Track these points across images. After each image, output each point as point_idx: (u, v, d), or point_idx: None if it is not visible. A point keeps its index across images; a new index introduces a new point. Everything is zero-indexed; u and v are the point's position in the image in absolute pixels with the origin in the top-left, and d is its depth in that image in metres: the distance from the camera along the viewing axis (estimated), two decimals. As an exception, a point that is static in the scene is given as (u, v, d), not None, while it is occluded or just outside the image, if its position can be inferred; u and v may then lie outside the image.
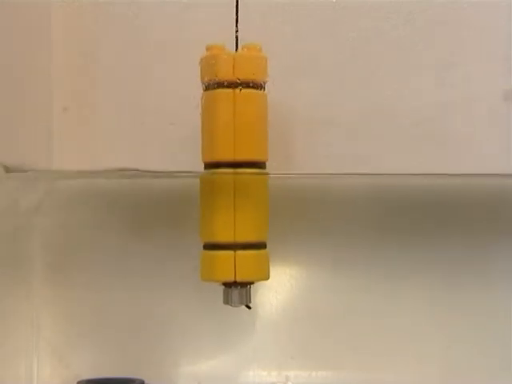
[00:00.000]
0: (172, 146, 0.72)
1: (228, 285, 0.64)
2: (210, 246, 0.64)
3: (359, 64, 0.72)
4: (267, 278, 0.65)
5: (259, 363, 0.75)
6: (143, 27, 0.73)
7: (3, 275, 0.69)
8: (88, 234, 0.75)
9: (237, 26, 0.64)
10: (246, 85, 0.62)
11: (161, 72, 0.73)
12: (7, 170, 0.64)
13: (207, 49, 0.63)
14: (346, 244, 0.74)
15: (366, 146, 0.72)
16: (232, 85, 0.62)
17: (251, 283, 0.64)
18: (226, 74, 0.62)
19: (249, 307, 0.65)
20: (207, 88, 0.63)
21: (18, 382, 0.72)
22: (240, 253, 0.63)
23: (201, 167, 0.65)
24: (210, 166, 0.63)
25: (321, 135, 0.72)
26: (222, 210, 0.63)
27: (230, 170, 0.62)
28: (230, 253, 0.62)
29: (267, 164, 0.64)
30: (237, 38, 0.63)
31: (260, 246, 0.64)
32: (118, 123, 0.73)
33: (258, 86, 0.63)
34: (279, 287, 0.76)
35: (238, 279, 0.63)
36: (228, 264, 0.62)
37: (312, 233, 0.74)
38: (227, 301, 0.64)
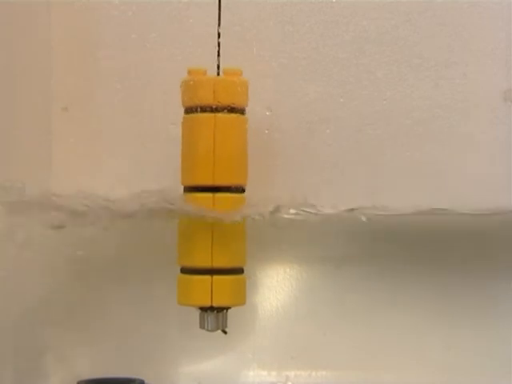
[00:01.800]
0: (173, 145, 0.72)
1: (204, 309, 0.63)
2: (187, 270, 0.63)
3: (359, 64, 0.72)
4: (244, 303, 0.65)
5: (259, 363, 0.75)
6: (143, 27, 0.72)
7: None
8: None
9: (219, 52, 0.63)
10: (227, 109, 0.62)
11: (161, 72, 0.73)
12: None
13: (188, 73, 0.63)
14: (347, 244, 0.74)
15: (366, 146, 0.72)
16: (212, 109, 0.61)
17: (227, 308, 0.64)
18: (206, 99, 0.61)
19: (225, 332, 0.65)
20: (187, 112, 0.63)
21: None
22: (217, 278, 0.62)
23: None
24: (188, 189, 0.63)
25: (320, 135, 0.72)
26: (200, 234, 0.62)
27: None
28: (207, 277, 0.62)
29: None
30: (218, 66, 0.63)
31: (237, 271, 0.64)
32: (118, 123, 0.73)
33: (239, 111, 0.62)
34: (279, 287, 0.76)
35: (215, 304, 0.62)
36: (204, 288, 0.62)
37: (312, 233, 0.74)
38: (203, 325, 0.64)
